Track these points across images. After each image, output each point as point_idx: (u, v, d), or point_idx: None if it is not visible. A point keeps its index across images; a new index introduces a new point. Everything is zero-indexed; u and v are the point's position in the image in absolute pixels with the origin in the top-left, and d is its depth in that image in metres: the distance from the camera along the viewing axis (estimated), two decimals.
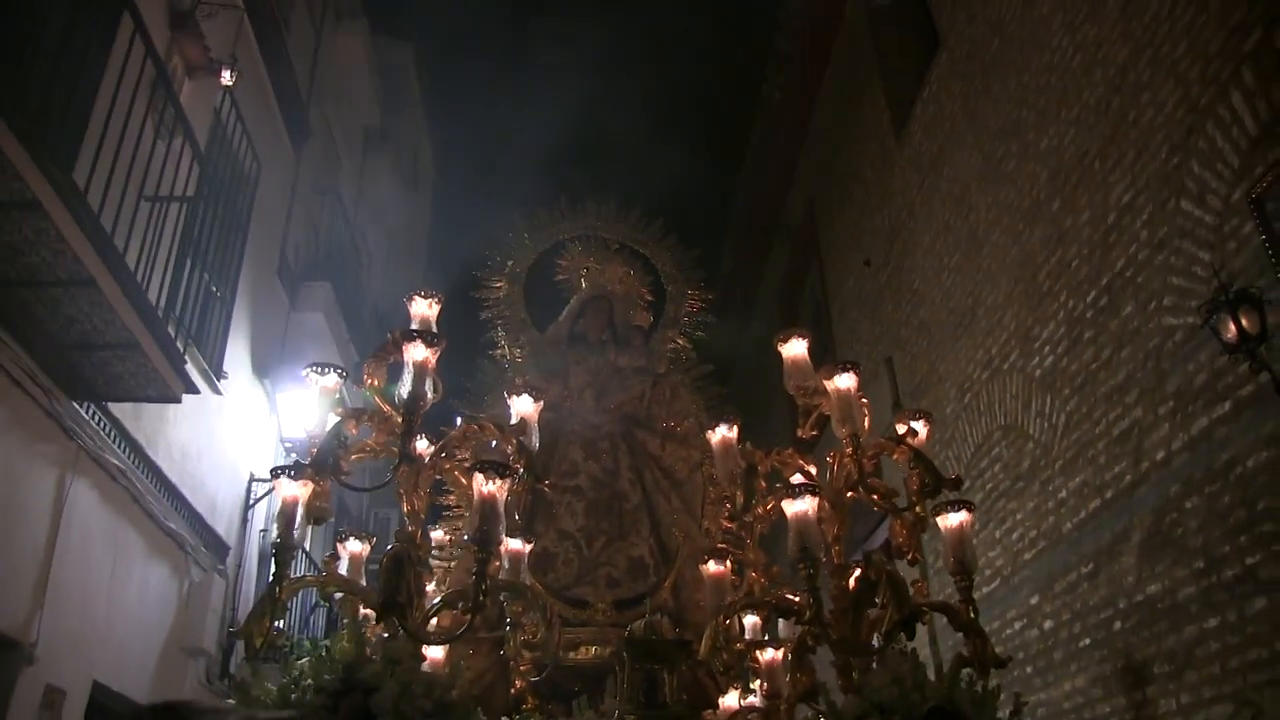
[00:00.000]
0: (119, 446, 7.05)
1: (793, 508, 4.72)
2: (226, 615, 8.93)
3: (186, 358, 7.04)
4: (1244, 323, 5.24)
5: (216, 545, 8.77)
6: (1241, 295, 5.31)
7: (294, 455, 9.30)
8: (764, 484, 5.47)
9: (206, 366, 8.37)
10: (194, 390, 7.03)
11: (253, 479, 9.75)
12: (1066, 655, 7.45)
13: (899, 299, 11.32)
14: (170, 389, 6.65)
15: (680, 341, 8.26)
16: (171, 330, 6.87)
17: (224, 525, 9.01)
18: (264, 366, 10.38)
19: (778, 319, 16.48)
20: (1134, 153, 6.72)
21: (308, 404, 5.08)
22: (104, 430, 6.84)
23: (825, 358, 12.74)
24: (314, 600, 10.56)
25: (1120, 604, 6.80)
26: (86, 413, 6.63)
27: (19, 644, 6.01)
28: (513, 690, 5.95)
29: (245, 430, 9.66)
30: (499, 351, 8.08)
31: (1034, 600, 7.98)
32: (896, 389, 11.14)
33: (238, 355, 9.67)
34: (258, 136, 9.92)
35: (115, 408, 6.97)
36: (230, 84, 8.60)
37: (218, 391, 8.70)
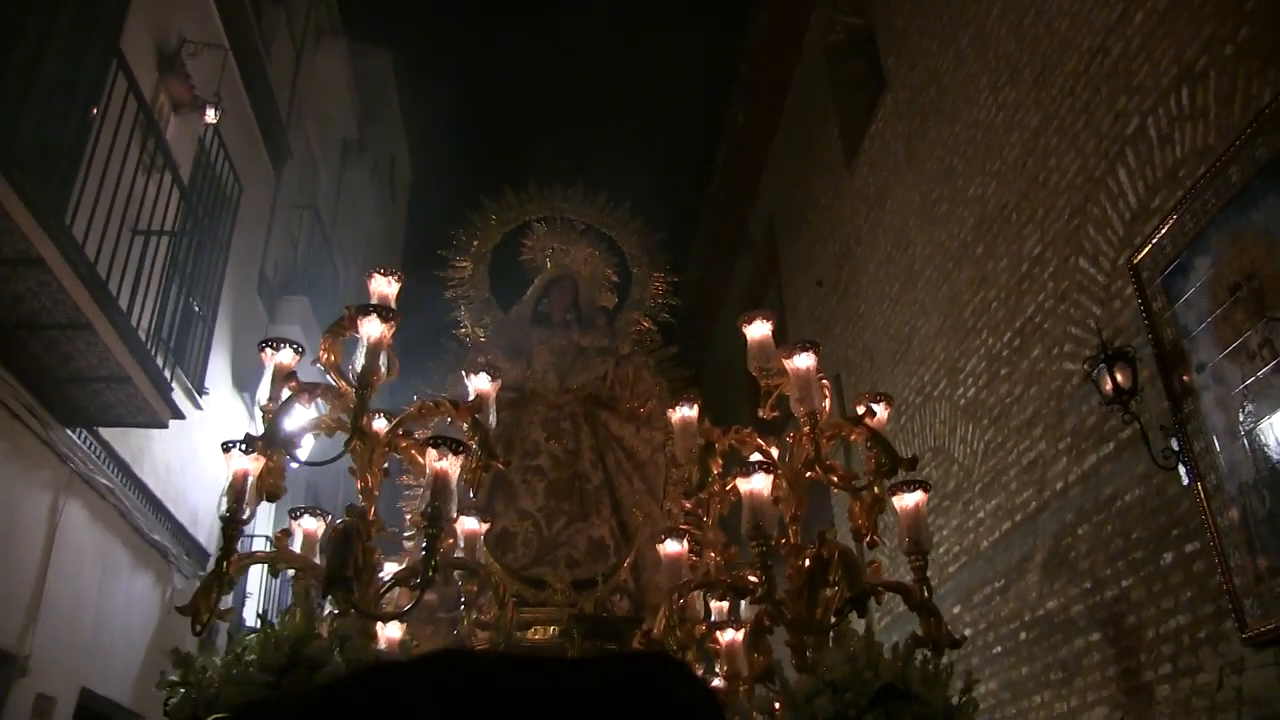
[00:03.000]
0: (108, 467, 7.61)
1: (746, 485, 4.72)
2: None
3: (173, 384, 7.63)
4: (1119, 378, 5.92)
5: (198, 553, 9.32)
6: (1118, 353, 5.99)
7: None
8: (721, 463, 5.40)
9: (190, 385, 8.93)
10: (180, 416, 7.57)
11: None
12: (982, 661, 8.11)
13: (847, 321, 11.97)
14: (158, 416, 7.22)
15: (645, 323, 8.29)
16: (158, 355, 7.42)
17: (205, 534, 9.54)
18: (243, 380, 10.91)
19: (741, 330, 17.09)
20: (1043, 210, 7.38)
21: (292, 424, 4.95)
22: (94, 452, 7.39)
23: None
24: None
25: (1025, 617, 7.47)
26: (79, 437, 7.19)
27: (14, 657, 6.52)
28: None
29: (225, 439, 10.18)
30: (462, 330, 8.13)
31: (956, 610, 8.63)
32: (843, 405, 11.77)
33: (218, 370, 10.20)
34: (239, 161, 10.47)
35: (104, 429, 7.51)
36: (214, 122, 9.15)
37: (199, 408, 9.25)
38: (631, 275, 8.42)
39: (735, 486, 5.06)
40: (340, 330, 5.05)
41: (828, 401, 5.31)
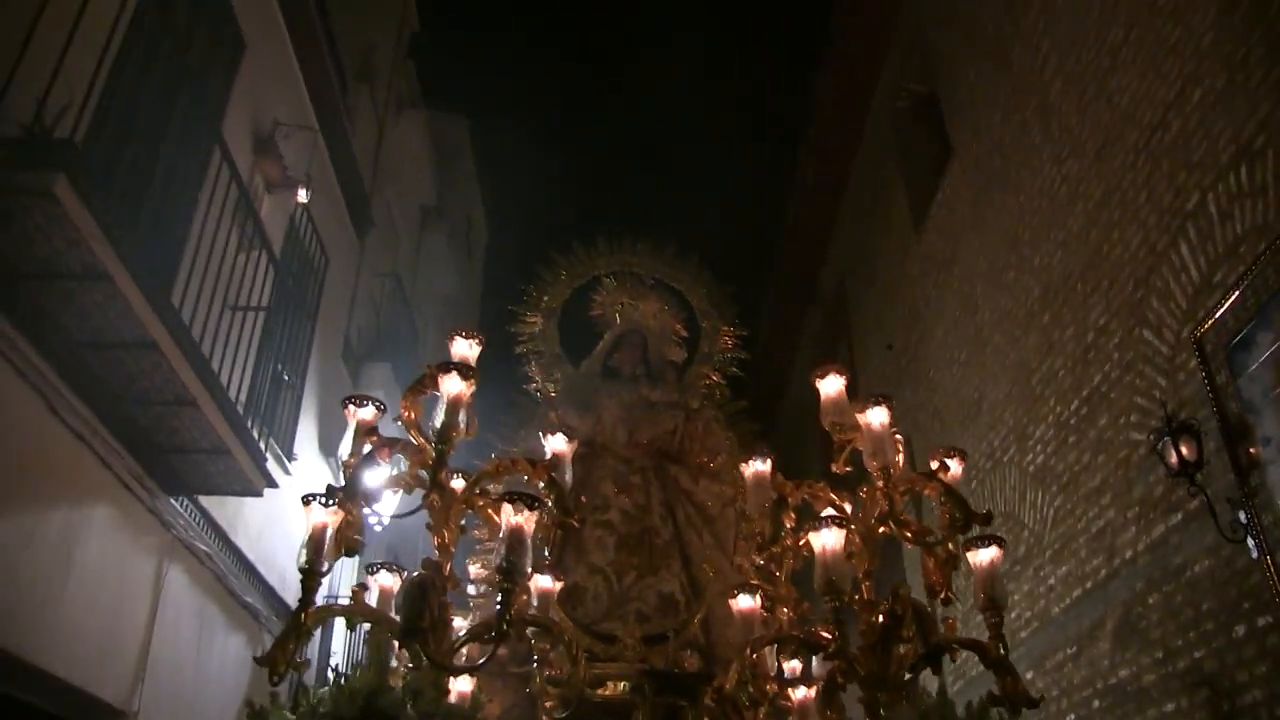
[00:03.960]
0: (206, 533, 8.02)
1: (819, 540, 4.67)
2: (292, 676, 9.78)
3: (267, 454, 8.02)
4: (1184, 451, 6.06)
5: (286, 613, 9.62)
6: (1183, 426, 6.14)
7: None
8: (794, 517, 5.37)
9: (280, 452, 9.32)
10: (274, 485, 7.96)
11: None
12: None
13: (916, 384, 12.10)
14: (254, 485, 7.67)
15: (714, 377, 8.25)
16: (253, 426, 7.83)
17: (292, 595, 9.83)
18: (329, 445, 11.25)
19: (811, 388, 17.32)
20: (1108, 281, 7.54)
21: (371, 479, 5.04)
22: (194, 519, 7.81)
23: None
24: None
25: (1098, 685, 7.54)
26: (180, 505, 7.60)
27: (124, 713, 6.96)
28: None
29: None
30: (533, 386, 8.16)
31: (1029, 675, 8.67)
32: (914, 467, 11.88)
33: (305, 435, 10.58)
34: (326, 233, 10.91)
35: (203, 496, 7.91)
36: (305, 202, 9.60)
37: (288, 473, 9.62)
38: (700, 329, 8.40)
39: (808, 541, 4.97)
40: (421, 388, 5.09)
41: (900, 456, 5.32)
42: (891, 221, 13.26)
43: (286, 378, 9.76)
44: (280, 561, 9.69)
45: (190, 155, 7.56)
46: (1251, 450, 5.75)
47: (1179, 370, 6.57)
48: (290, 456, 9.75)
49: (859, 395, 5.45)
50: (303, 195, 9.56)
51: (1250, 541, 5.73)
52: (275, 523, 9.55)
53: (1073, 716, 7.93)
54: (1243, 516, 5.78)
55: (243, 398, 7.77)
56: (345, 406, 5.23)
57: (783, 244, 17.58)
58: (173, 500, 7.51)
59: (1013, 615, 9.13)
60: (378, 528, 6.81)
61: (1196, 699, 6.28)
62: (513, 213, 24.61)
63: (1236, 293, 5.80)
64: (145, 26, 6.83)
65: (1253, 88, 5.81)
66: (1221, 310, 5.94)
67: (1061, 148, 8.36)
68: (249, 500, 8.45)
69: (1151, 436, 6.49)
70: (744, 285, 8.48)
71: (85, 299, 5.70)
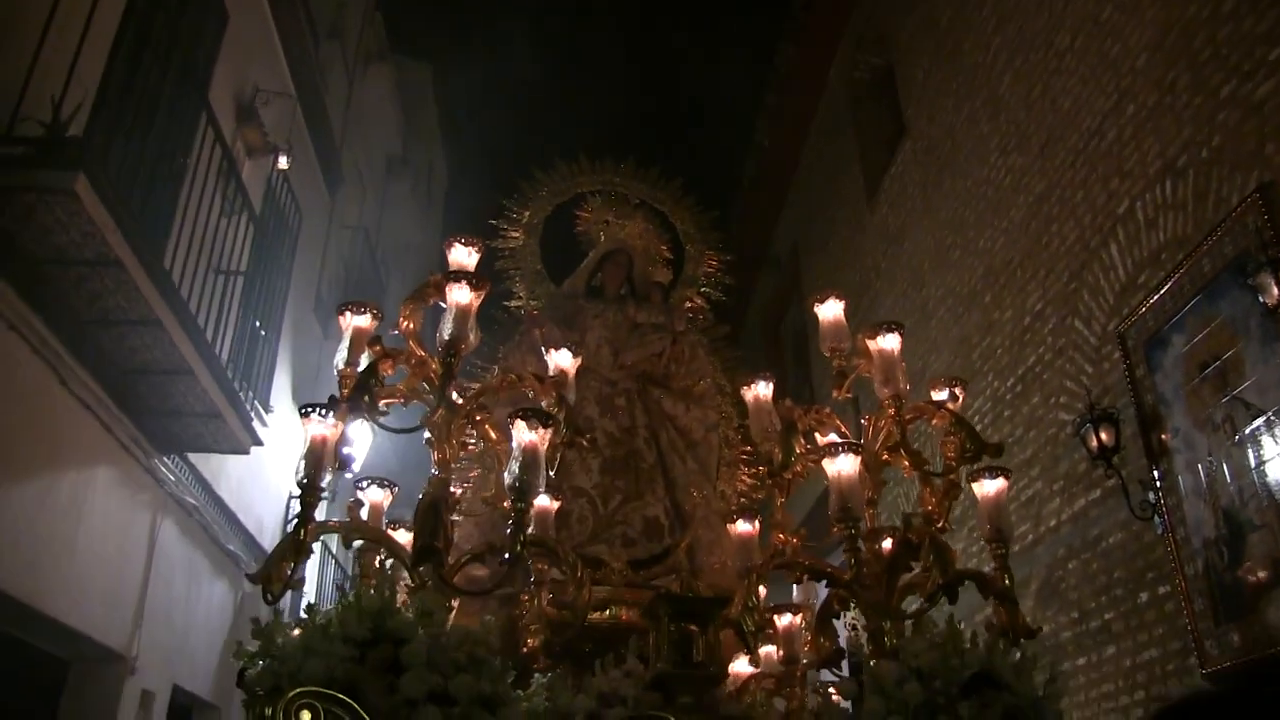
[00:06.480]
0: (194, 487, 8.54)
1: (834, 466, 4.55)
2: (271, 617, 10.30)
3: (252, 412, 8.50)
4: (1103, 437, 6.69)
5: (264, 558, 10.12)
6: (1103, 414, 6.76)
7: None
8: (804, 443, 5.23)
9: (260, 408, 9.76)
10: (259, 443, 8.47)
11: (292, 497, 11.06)
12: None
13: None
14: (243, 445, 8.22)
15: (698, 301, 8.06)
16: (239, 387, 8.30)
17: (269, 540, 10.34)
18: (302, 395, 11.64)
19: (761, 344, 17.90)
20: (1045, 271, 8.11)
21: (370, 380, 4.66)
22: (184, 475, 8.33)
23: (803, 388, 14.18)
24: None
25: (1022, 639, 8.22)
26: (172, 462, 8.10)
27: (125, 657, 7.54)
28: (524, 649, 5.77)
29: (286, 453, 10.95)
30: (515, 303, 7.94)
31: (961, 625, 9.34)
32: (858, 427, 12.47)
33: (279, 387, 11.01)
34: (300, 192, 11.28)
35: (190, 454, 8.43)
36: (285, 168, 9.98)
37: (265, 425, 10.06)
38: (685, 252, 8.14)
39: (805, 467, 5.02)
40: (423, 298, 4.91)
41: (906, 385, 5.15)
42: (846, 191, 13.75)
43: (263, 333, 10.15)
44: (258, 509, 10.20)
45: (180, 127, 7.90)
46: (1163, 437, 6.43)
47: (1104, 360, 7.19)
48: (267, 409, 10.16)
49: (810, 354, 5.61)
50: (284, 162, 9.93)
51: (1156, 519, 6.46)
52: (254, 472, 10.04)
53: None
54: (1151, 497, 6.49)
55: (226, 356, 8.21)
56: (341, 314, 4.92)
57: (739, 203, 17.98)
58: (165, 459, 8.00)
59: None
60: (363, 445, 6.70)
61: (1104, 655, 6.99)
62: (472, 157, 24.85)
63: (1156, 296, 6.40)
64: (138, 6, 7.13)
65: (1179, 110, 6.37)
66: (1143, 310, 6.55)
67: (1008, 140, 8.89)
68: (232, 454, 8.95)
69: (1077, 420, 7.09)
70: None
71: (97, 284, 6.19)
